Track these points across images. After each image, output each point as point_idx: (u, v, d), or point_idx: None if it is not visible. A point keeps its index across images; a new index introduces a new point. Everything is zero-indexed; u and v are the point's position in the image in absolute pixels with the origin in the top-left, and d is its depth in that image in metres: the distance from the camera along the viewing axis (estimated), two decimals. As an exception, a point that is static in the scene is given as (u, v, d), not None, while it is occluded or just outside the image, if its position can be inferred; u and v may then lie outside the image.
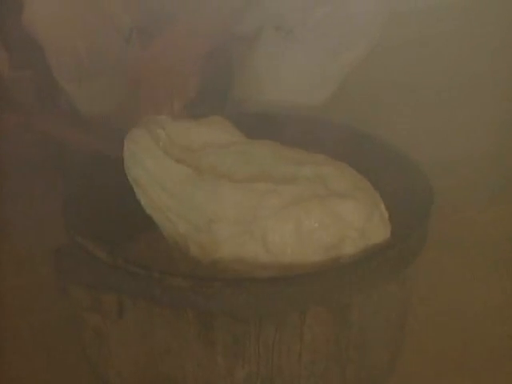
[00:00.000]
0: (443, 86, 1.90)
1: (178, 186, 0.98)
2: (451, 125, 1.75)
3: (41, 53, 1.26)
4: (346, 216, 0.95)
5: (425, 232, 1.00)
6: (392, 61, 1.92)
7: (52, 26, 1.21)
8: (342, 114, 1.35)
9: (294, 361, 0.93)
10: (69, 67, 1.25)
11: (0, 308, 1.21)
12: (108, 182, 1.09)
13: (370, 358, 1.00)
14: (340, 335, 0.94)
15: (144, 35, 1.32)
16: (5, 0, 1.29)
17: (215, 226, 0.95)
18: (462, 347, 1.20)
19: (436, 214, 1.02)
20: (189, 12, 1.24)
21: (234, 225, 0.95)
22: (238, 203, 0.95)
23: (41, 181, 1.46)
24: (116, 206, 1.10)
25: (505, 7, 2.10)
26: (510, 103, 1.84)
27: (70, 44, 1.22)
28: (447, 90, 1.88)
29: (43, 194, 1.41)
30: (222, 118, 1.08)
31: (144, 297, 0.90)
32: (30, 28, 1.21)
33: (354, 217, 0.95)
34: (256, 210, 0.94)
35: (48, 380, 1.12)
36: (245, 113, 1.27)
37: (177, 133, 1.04)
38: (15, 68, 1.42)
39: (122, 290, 0.90)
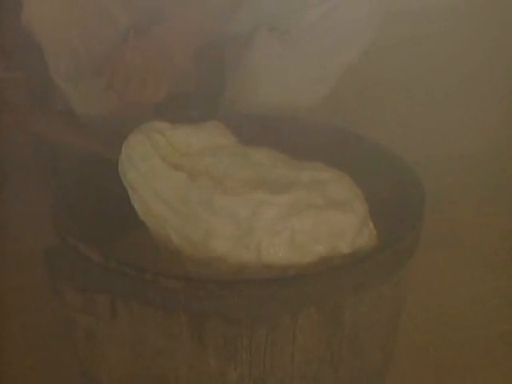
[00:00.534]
0: (436, 86, 1.90)
1: (173, 194, 0.98)
2: (444, 125, 1.75)
3: (35, 54, 1.26)
4: (339, 229, 0.95)
5: (417, 234, 1.00)
6: (385, 61, 1.92)
7: (50, 26, 1.21)
8: (335, 114, 1.35)
9: (286, 362, 0.93)
10: (67, 66, 1.25)
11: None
12: (99, 182, 1.09)
13: (363, 359, 1.00)
14: (332, 336, 0.94)
15: (141, 35, 1.31)
16: (-1, 2, 1.29)
17: (211, 243, 0.95)
18: (455, 348, 1.20)
19: (429, 215, 1.02)
20: (180, 9, 1.24)
21: (229, 239, 0.95)
22: (234, 215, 0.95)
23: (35, 180, 1.46)
24: (106, 207, 1.10)
25: (497, 8, 2.10)
26: (504, 103, 1.85)
27: (68, 43, 1.22)
28: (440, 90, 1.88)
29: (38, 194, 1.41)
30: (220, 123, 1.08)
31: (136, 298, 0.90)
32: (28, 27, 1.21)
33: (346, 230, 0.96)
34: (251, 222, 0.94)
35: (40, 381, 1.12)
36: (238, 114, 1.27)
37: (176, 138, 1.04)
38: (9, 69, 1.42)
39: (114, 292, 0.90)
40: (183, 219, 0.97)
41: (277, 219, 0.94)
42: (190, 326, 0.90)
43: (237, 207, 0.95)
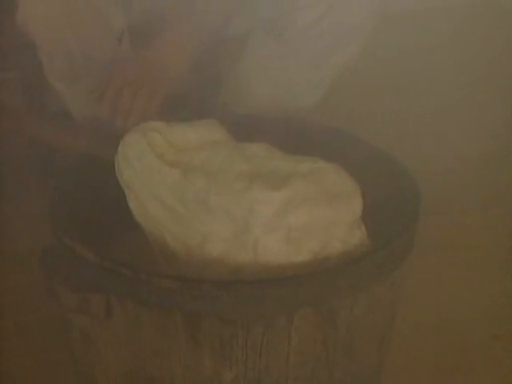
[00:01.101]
0: (434, 87, 1.90)
1: (169, 193, 0.97)
2: (442, 127, 1.75)
3: (30, 55, 1.26)
4: (334, 223, 0.96)
5: (412, 235, 1.00)
6: (382, 63, 1.92)
7: (45, 26, 1.20)
8: (331, 116, 1.36)
9: (281, 363, 0.93)
10: (61, 67, 1.25)
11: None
12: (96, 183, 1.09)
13: (358, 360, 1.01)
14: (328, 337, 0.95)
15: (134, 36, 1.31)
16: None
17: (208, 246, 0.95)
18: (450, 350, 1.20)
19: (424, 217, 1.02)
20: (180, 16, 1.24)
21: (226, 240, 0.95)
22: (230, 214, 0.95)
23: (32, 181, 1.46)
24: (103, 207, 1.10)
25: (496, 8, 2.11)
26: (504, 104, 1.85)
27: (63, 44, 1.22)
28: (438, 92, 1.89)
29: (35, 194, 1.41)
30: (216, 121, 1.08)
31: (132, 298, 0.90)
32: (23, 27, 1.21)
33: (340, 226, 0.96)
34: (248, 220, 0.94)
35: (36, 380, 1.12)
36: (234, 115, 1.27)
37: (173, 135, 1.04)
38: (4, 70, 1.42)
39: (109, 292, 0.90)
40: (179, 221, 0.97)
41: (273, 217, 0.94)
42: (185, 326, 0.90)
43: (233, 206, 0.94)
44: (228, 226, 0.94)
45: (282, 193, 0.94)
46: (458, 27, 2.18)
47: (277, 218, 0.93)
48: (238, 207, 0.94)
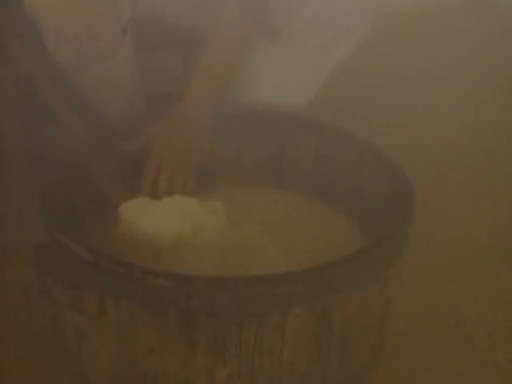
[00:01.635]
0: (427, 85, 1.90)
1: None
2: (437, 124, 1.75)
3: (22, 50, 1.25)
4: None
5: (406, 233, 1.00)
6: (378, 60, 1.92)
7: (53, 10, 1.20)
8: (327, 113, 1.36)
9: (275, 361, 0.94)
10: (68, 51, 1.24)
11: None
12: (87, 180, 1.09)
13: (351, 358, 1.01)
14: (321, 335, 0.95)
15: (137, 28, 1.31)
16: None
17: None
18: (445, 347, 1.20)
19: (419, 215, 1.02)
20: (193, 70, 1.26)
21: None
22: None
23: (25, 177, 1.45)
24: (95, 204, 1.10)
25: (493, 5, 2.11)
26: (499, 101, 1.85)
27: (70, 26, 1.21)
28: (430, 90, 1.89)
29: (28, 191, 1.41)
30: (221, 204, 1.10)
31: (125, 296, 0.90)
32: (31, 11, 1.20)
33: None
34: None
35: (29, 377, 1.12)
36: (230, 112, 1.27)
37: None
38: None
39: (103, 289, 0.90)
40: None
41: None
42: (178, 324, 0.90)
43: None
44: None
45: None
46: (457, 25, 2.18)
47: None
48: None
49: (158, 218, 1.06)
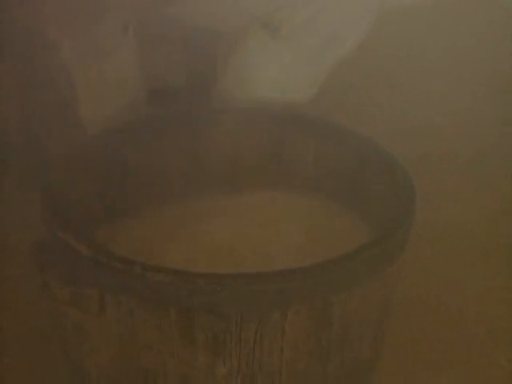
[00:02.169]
0: (428, 83, 1.90)
1: None
2: (437, 123, 1.75)
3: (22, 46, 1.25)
4: None
5: (407, 231, 1.00)
6: (379, 57, 1.92)
7: (54, 11, 1.20)
8: (328, 109, 1.35)
9: (275, 358, 0.93)
10: (68, 51, 1.24)
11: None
12: (86, 176, 1.09)
13: (352, 355, 1.01)
14: (322, 332, 0.94)
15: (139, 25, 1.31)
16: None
17: None
18: (444, 344, 1.20)
19: (420, 213, 1.02)
20: None
21: None
22: None
23: (25, 175, 1.45)
24: (94, 200, 1.10)
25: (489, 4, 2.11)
26: (498, 99, 1.85)
27: (71, 28, 1.21)
28: (434, 87, 1.88)
29: (29, 188, 1.40)
30: None
31: (125, 292, 0.90)
32: (32, 13, 1.20)
33: None
34: None
35: (29, 373, 1.12)
36: (229, 108, 1.27)
37: None
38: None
39: (103, 285, 0.90)
40: None
41: None
42: (179, 321, 0.90)
43: None
44: None
45: None
46: (456, 22, 2.18)
47: None
48: None
49: None
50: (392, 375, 1.14)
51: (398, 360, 1.16)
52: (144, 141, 1.19)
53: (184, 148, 1.23)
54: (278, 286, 0.88)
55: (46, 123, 1.30)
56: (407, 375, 1.15)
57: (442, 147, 1.67)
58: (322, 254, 0.95)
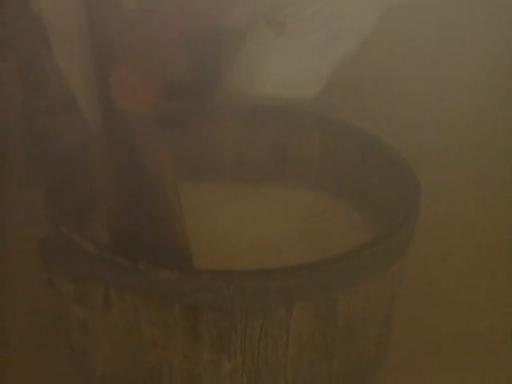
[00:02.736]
0: (431, 79, 1.90)
1: None
2: (438, 119, 1.75)
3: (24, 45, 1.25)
4: None
5: (412, 227, 1.00)
6: (382, 54, 1.92)
7: (58, 7, 1.20)
8: (332, 107, 1.35)
9: (280, 354, 0.93)
10: (72, 50, 1.23)
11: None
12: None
13: (356, 351, 1.01)
14: (326, 329, 0.94)
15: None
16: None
17: None
18: (449, 341, 1.20)
19: (425, 210, 1.02)
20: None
21: None
22: None
23: (30, 171, 1.45)
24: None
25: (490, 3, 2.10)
26: (500, 95, 1.85)
27: (75, 26, 1.21)
28: (435, 83, 1.88)
29: (33, 185, 1.41)
30: None
31: (130, 289, 0.90)
32: (36, 8, 1.20)
33: None
34: None
35: (34, 370, 1.12)
36: (233, 105, 1.27)
37: None
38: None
39: (108, 282, 0.90)
40: None
41: None
42: (183, 318, 0.90)
43: None
44: None
45: None
46: (460, 17, 2.18)
47: None
48: None
49: None
50: (397, 371, 1.13)
51: (403, 356, 1.16)
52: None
53: (187, 144, 1.23)
54: (283, 282, 0.88)
55: (48, 120, 1.30)
56: (412, 371, 1.15)
57: (447, 142, 1.66)
58: (326, 250, 0.95)
